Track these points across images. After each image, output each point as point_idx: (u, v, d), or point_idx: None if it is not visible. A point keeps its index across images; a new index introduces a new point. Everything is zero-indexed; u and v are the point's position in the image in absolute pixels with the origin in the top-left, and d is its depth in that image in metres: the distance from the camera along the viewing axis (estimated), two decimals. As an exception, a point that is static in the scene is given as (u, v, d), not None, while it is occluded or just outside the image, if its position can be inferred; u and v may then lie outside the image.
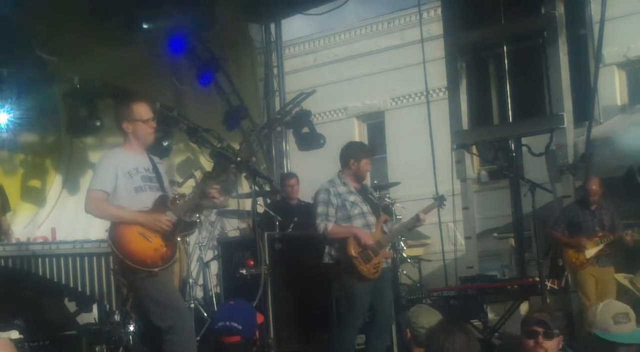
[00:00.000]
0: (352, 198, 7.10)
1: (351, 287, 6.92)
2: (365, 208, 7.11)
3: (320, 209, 7.05)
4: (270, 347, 7.12)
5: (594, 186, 8.88)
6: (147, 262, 5.54)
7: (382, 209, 7.59)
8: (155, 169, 5.89)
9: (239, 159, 6.89)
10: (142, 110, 5.83)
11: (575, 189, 9.86)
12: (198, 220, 8.39)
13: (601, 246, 8.80)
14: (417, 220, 7.33)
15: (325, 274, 7.44)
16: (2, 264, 7.26)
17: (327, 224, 6.98)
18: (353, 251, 6.90)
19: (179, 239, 6.14)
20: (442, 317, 5.22)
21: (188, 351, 5.65)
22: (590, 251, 8.79)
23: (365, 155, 7.31)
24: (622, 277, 9.26)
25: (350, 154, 7.32)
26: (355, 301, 6.93)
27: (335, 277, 7.03)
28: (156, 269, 5.56)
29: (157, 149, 6.79)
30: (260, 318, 5.09)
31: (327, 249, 7.10)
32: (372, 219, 7.11)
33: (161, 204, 5.72)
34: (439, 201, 7.77)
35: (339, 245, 6.99)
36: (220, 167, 6.33)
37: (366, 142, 20.40)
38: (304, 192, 9.89)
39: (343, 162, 7.37)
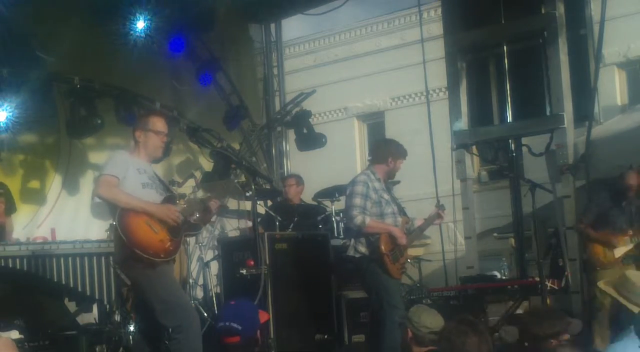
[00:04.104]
0: (386, 196, 7.14)
1: (387, 283, 6.95)
2: (395, 208, 7.15)
3: (358, 201, 7.01)
4: (270, 347, 7.12)
5: (632, 180, 8.49)
6: (149, 251, 5.57)
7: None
8: (160, 178, 6.06)
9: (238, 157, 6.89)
10: (158, 122, 6.00)
11: (576, 189, 9.85)
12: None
13: (631, 246, 8.41)
14: (436, 217, 7.45)
15: (328, 271, 7.47)
16: (2, 264, 7.26)
17: (365, 217, 6.96)
18: (384, 248, 6.91)
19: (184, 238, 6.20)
20: (442, 317, 5.24)
21: (195, 350, 5.67)
22: (620, 250, 8.39)
23: (403, 155, 7.34)
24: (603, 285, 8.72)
25: (391, 152, 7.31)
26: (396, 296, 6.97)
27: (366, 272, 7.03)
28: (157, 260, 5.59)
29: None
30: (265, 317, 5.09)
31: (352, 242, 7.12)
32: (399, 219, 7.16)
33: (168, 202, 5.81)
34: (441, 208, 7.80)
35: (369, 241, 7.00)
36: (221, 186, 6.39)
37: (366, 143, 20.46)
38: (304, 193, 9.89)
39: (380, 158, 7.32)
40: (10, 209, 8.67)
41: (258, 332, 4.93)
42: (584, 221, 8.69)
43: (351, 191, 7.11)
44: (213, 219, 10.10)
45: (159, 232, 5.64)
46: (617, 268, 8.27)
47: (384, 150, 7.35)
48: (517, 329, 6.31)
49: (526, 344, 4.36)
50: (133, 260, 5.61)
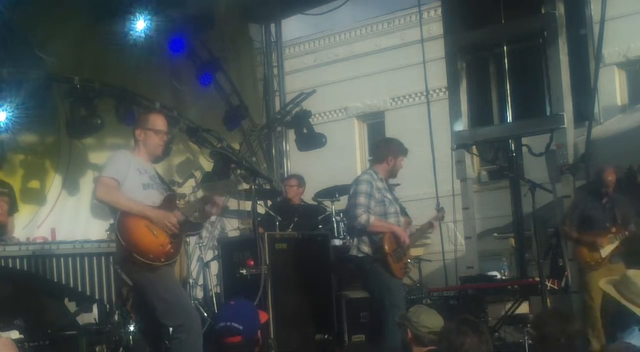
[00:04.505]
0: (389, 196, 7.15)
1: (390, 283, 6.95)
2: (397, 208, 7.16)
3: (362, 200, 7.01)
4: (270, 347, 7.12)
5: (610, 176, 8.43)
6: (149, 255, 5.56)
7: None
8: (161, 177, 6.02)
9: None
10: (158, 121, 5.99)
11: (575, 189, 9.85)
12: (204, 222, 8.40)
13: (616, 243, 8.33)
14: (430, 226, 7.46)
15: (328, 271, 7.45)
16: (2, 264, 7.25)
17: (369, 216, 6.96)
18: (388, 248, 6.92)
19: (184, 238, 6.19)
20: (441, 317, 5.24)
21: (196, 349, 5.67)
22: (606, 249, 8.31)
23: (403, 153, 7.33)
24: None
25: (390, 150, 7.31)
26: (398, 296, 6.97)
27: (370, 272, 7.04)
28: (158, 264, 5.58)
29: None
30: (264, 317, 5.09)
31: (355, 241, 7.13)
32: (401, 219, 7.18)
33: (169, 201, 5.78)
34: (441, 212, 7.79)
35: (373, 240, 7.01)
36: (227, 182, 6.39)
37: (366, 143, 20.46)
38: (304, 192, 9.89)
39: (380, 157, 7.34)
40: (13, 208, 8.67)
41: (259, 332, 4.92)
42: (567, 223, 8.61)
43: (355, 190, 7.11)
44: (213, 218, 10.13)
45: (159, 236, 5.62)
46: (605, 268, 8.21)
47: (384, 150, 7.36)
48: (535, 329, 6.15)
49: (561, 340, 4.31)
50: (133, 263, 5.60)
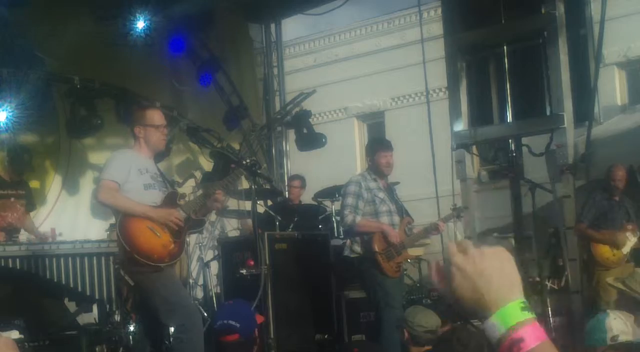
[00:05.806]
0: (381, 195, 7.18)
1: (383, 282, 6.96)
2: (392, 207, 7.18)
3: (350, 201, 7.08)
4: (270, 347, 7.12)
5: (621, 171, 8.48)
6: (153, 257, 5.56)
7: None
8: (162, 174, 6.01)
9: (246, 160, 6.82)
10: (156, 116, 5.97)
11: (576, 189, 9.84)
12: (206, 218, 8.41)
13: (635, 239, 8.32)
14: (435, 228, 7.39)
15: (328, 271, 7.46)
16: (2, 264, 7.25)
17: (355, 216, 7.01)
18: (377, 247, 6.95)
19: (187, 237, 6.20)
20: (438, 317, 5.25)
21: (197, 349, 5.67)
22: (628, 245, 8.31)
23: (378, 148, 7.36)
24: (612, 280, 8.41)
25: (367, 150, 7.48)
26: (393, 296, 6.96)
27: (363, 272, 7.07)
28: (162, 265, 5.58)
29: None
30: (259, 319, 5.10)
31: (349, 242, 7.16)
32: (397, 218, 7.20)
33: (170, 200, 5.77)
34: (457, 212, 7.78)
35: (363, 240, 7.02)
36: (227, 177, 6.38)
37: (366, 143, 20.47)
38: (305, 193, 9.90)
39: (366, 160, 7.49)
40: (31, 206, 8.71)
41: (256, 331, 4.93)
42: (583, 221, 8.58)
43: (344, 192, 7.23)
44: (213, 218, 10.12)
45: (161, 236, 5.62)
46: (623, 266, 8.24)
47: (365, 152, 7.49)
48: None
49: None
50: (137, 265, 5.60)
